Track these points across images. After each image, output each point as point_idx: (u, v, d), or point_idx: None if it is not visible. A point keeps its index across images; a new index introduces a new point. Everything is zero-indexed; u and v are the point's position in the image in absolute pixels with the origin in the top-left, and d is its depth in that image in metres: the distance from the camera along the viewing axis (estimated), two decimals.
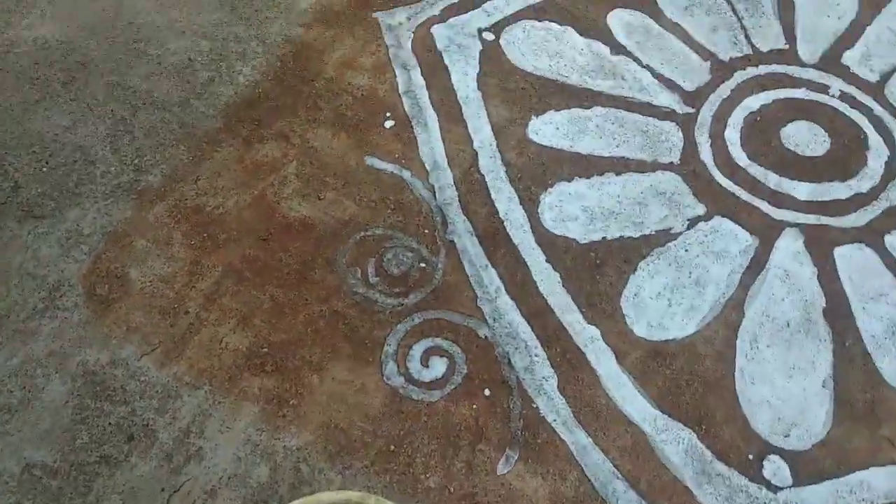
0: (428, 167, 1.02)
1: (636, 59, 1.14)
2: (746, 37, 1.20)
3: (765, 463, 0.79)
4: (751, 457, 0.80)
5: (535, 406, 0.83)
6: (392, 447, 0.80)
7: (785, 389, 0.84)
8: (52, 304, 0.89)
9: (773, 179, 1.02)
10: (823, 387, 0.85)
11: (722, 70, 1.14)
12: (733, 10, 1.22)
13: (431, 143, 1.04)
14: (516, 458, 0.80)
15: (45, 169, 1.01)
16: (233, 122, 1.07)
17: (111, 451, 0.80)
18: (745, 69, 1.15)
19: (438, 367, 0.85)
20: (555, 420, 0.82)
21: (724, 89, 1.12)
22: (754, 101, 1.10)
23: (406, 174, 1.02)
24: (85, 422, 0.81)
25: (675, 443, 0.80)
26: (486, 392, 0.84)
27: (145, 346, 0.86)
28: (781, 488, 0.78)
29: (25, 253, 0.93)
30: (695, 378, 0.85)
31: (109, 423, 0.81)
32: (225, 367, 0.85)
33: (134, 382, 0.84)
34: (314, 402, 0.83)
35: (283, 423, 0.81)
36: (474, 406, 0.83)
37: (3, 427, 0.81)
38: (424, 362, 0.85)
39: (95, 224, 0.96)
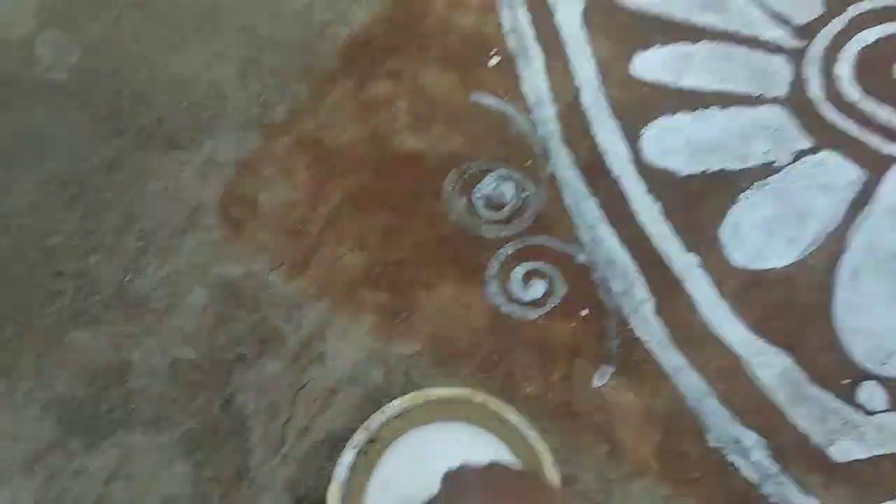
0: (531, 103, 1.06)
1: None
2: None
3: (860, 388, 0.81)
4: (846, 382, 0.82)
5: (630, 328, 0.87)
6: (495, 357, 0.86)
7: (884, 318, 0.84)
8: (193, 224, 0.99)
9: (884, 114, 1.00)
10: None
11: (836, 3, 1.12)
12: None
13: (535, 79, 1.08)
14: (612, 372, 0.85)
15: (184, 104, 1.11)
16: (348, 62, 1.14)
17: (245, 351, 0.89)
18: (860, 1, 1.11)
19: (538, 287, 0.90)
20: (649, 341, 0.85)
21: (837, 23, 1.09)
22: (869, 35, 1.07)
23: (510, 109, 1.07)
24: (222, 325, 0.91)
25: (770, 366, 0.82)
26: (584, 313, 0.89)
27: (274, 262, 0.95)
28: (876, 412, 0.79)
29: (168, 179, 1.04)
30: (793, 306, 0.87)
31: (244, 328, 0.91)
32: (343, 283, 0.93)
33: (264, 293, 0.93)
34: (423, 316, 0.90)
35: (395, 332, 0.89)
36: (572, 325, 0.88)
37: (154, 327, 0.92)
38: (525, 283, 0.91)
39: (228, 154, 1.05)
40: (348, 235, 0.96)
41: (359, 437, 0.71)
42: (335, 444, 0.83)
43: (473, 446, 0.75)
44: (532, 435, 0.70)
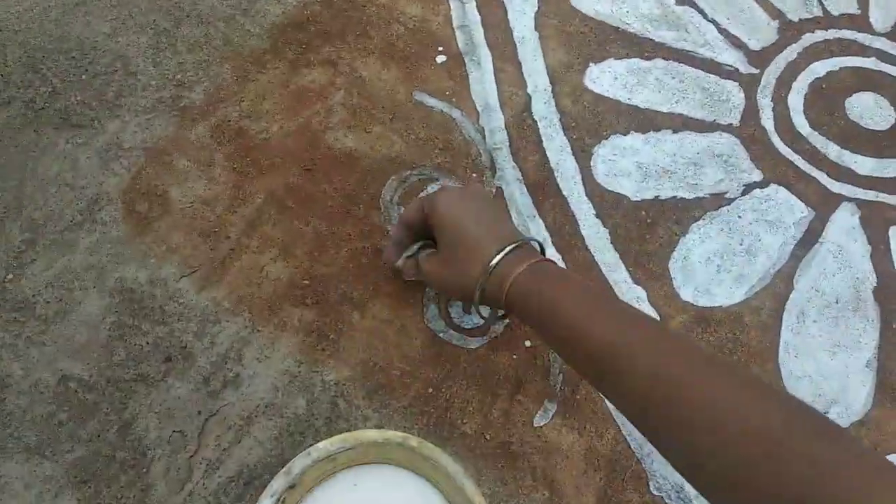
0: (479, 108, 1.00)
1: (701, 12, 1.11)
2: None
3: None
4: None
5: None
6: (430, 390, 0.81)
7: (828, 366, 0.84)
8: (91, 217, 0.88)
9: (833, 151, 1.00)
10: (867, 367, 0.85)
11: (790, 31, 1.11)
12: None
13: (484, 82, 1.02)
14: (554, 411, 0.80)
15: (84, 76, 0.98)
16: (279, 43, 1.04)
17: (148, 370, 0.80)
18: (813, 32, 1.11)
19: (481, 312, 0.85)
20: None
21: (791, 52, 1.09)
22: (821, 67, 1.07)
23: (456, 114, 1.00)
24: (122, 339, 0.82)
25: None
26: (527, 343, 0.84)
27: (184, 267, 0.86)
28: None
29: (63, 162, 0.92)
30: (738, 347, 0.86)
31: (147, 343, 0.81)
32: (265, 296, 0.85)
33: (172, 303, 0.84)
34: (353, 339, 0.83)
35: (321, 356, 0.82)
36: (514, 356, 0.83)
37: (39, 337, 0.81)
38: (466, 309, 0.85)
39: (136, 138, 0.94)
40: (272, 242, 0.88)
41: (278, 483, 0.64)
42: (249, 481, 0.76)
43: (405, 493, 0.69)
44: (468, 485, 0.65)
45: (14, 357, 0.79)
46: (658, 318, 0.85)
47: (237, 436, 0.77)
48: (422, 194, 0.93)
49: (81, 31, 1.02)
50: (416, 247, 0.78)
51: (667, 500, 0.76)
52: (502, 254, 0.63)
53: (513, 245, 0.64)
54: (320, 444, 0.67)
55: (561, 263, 0.89)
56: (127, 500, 0.74)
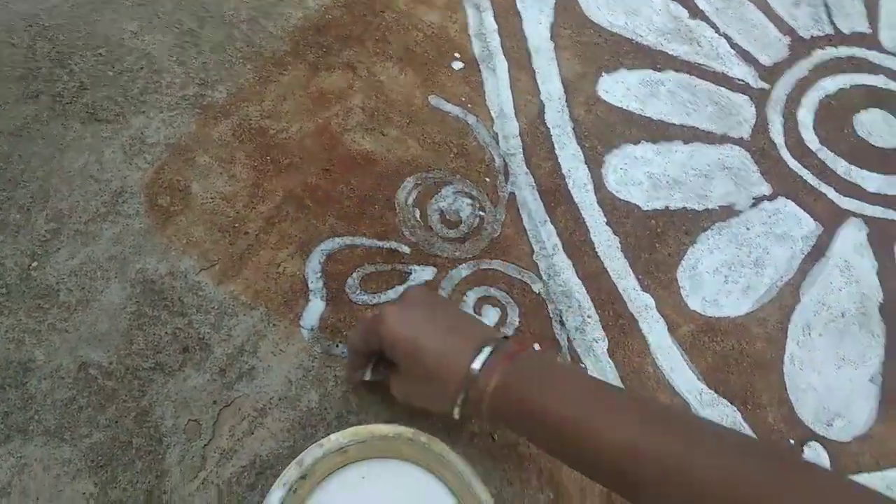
0: (494, 114, 1.03)
1: (714, 26, 1.14)
2: (829, 15, 1.18)
3: (805, 448, 0.82)
4: (792, 441, 0.83)
5: (583, 366, 0.85)
6: None
7: (833, 379, 0.86)
8: (114, 209, 0.91)
9: (842, 166, 1.02)
10: (871, 381, 0.87)
11: (801, 47, 1.14)
12: None
13: (499, 89, 1.05)
14: None
15: (110, 73, 1.01)
16: (300, 46, 1.07)
17: (166, 359, 0.82)
18: (824, 49, 1.14)
19: (491, 316, 0.87)
20: None
21: (802, 68, 1.11)
22: (831, 84, 1.10)
23: (471, 119, 1.03)
24: (142, 328, 0.84)
25: (719, 418, 0.83)
26: (536, 346, 0.86)
27: (204, 261, 0.88)
28: None
29: (89, 155, 0.94)
30: (744, 357, 0.88)
31: (166, 333, 0.84)
32: (281, 292, 0.87)
33: (191, 296, 0.86)
34: None
35: (335, 351, 0.84)
36: None
37: (62, 324, 0.84)
38: (478, 310, 0.87)
39: (159, 134, 0.97)
40: (290, 239, 0.90)
41: (290, 473, 0.67)
42: (261, 471, 0.78)
43: (413, 488, 0.72)
44: (476, 483, 0.67)
45: (37, 343, 0.82)
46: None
47: (251, 426, 0.80)
48: (434, 198, 0.96)
49: (109, 28, 1.05)
50: (368, 371, 0.73)
51: None
52: (476, 367, 0.58)
53: (483, 355, 0.58)
54: (332, 437, 0.70)
55: (571, 269, 0.91)
56: (142, 485, 0.76)
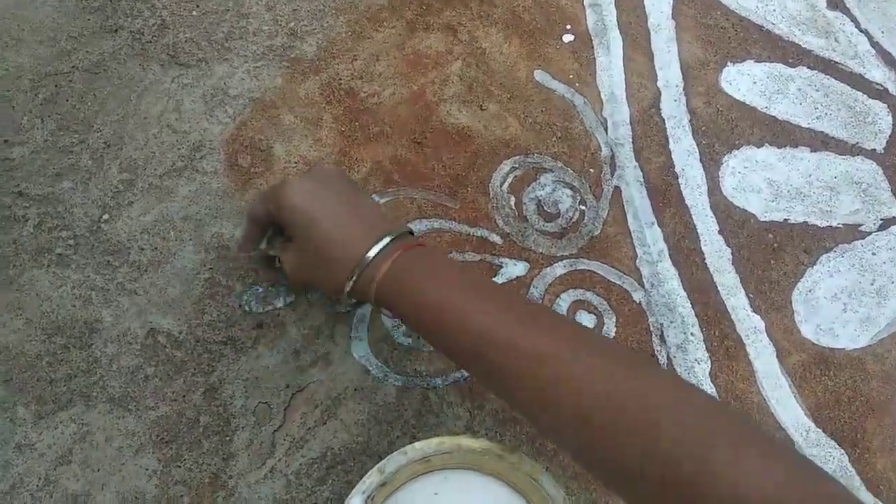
0: (604, 97, 0.97)
1: (854, 20, 1.05)
2: None
3: None
4: None
5: None
6: None
7: None
8: (192, 164, 0.88)
9: None
10: None
11: None
12: None
13: (612, 70, 0.98)
14: None
15: (194, 13, 0.97)
16: (398, 0, 1.01)
17: (239, 334, 0.80)
18: None
19: (585, 322, 0.83)
20: None
21: None
22: None
23: (578, 100, 0.96)
24: (214, 298, 0.81)
25: (825, 460, 0.78)
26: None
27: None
28: None
29: (168, 102, 0.91)
30: (858, 396, 0.83)
31: (240, 305, 0.81)
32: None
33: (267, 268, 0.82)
34: None
35: (417, 344, 0.80)
36: None
37: (132, 284, 0.81)
38: (571, 314, 0.83)
39: (243, 86, 0.93)
40: None
41: (371, 479, 0.64)
42: (332, 465, 0.76)
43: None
44: None
45: (105, 302, 0.80)
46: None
47: (323, 416, 0.77)
48: (532, 185, 0.90)
49: None
50: (264, 241, 0.74)
51: None
52: (371, 255, 0.61)
53: (382, 244, 0.62)
54: (417, 445, 0.67)
55: (677, 279, 0.86)
56: (208, 466, 0.74)
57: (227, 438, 0.76)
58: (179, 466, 0.74)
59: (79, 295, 0.80)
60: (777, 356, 0.83)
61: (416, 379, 0.79)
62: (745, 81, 0.98)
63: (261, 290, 0.82)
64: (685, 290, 0.85)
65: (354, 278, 0.62)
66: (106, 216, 0.84)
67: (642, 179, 0.91)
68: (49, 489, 0.71)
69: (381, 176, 0.89)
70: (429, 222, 0.87)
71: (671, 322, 0.83)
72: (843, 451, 0.79)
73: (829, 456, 0.79)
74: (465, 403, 0.79)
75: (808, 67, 1.00)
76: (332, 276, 0.63)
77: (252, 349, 0.79)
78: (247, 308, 0.81)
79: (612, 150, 0.93)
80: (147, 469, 0.74)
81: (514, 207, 0.89)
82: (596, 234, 0.88)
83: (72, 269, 0.81)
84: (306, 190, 0.64)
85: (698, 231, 0.89)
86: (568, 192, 0.90)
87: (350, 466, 0.76)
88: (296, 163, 0.89)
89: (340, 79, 0.95)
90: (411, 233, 0.67)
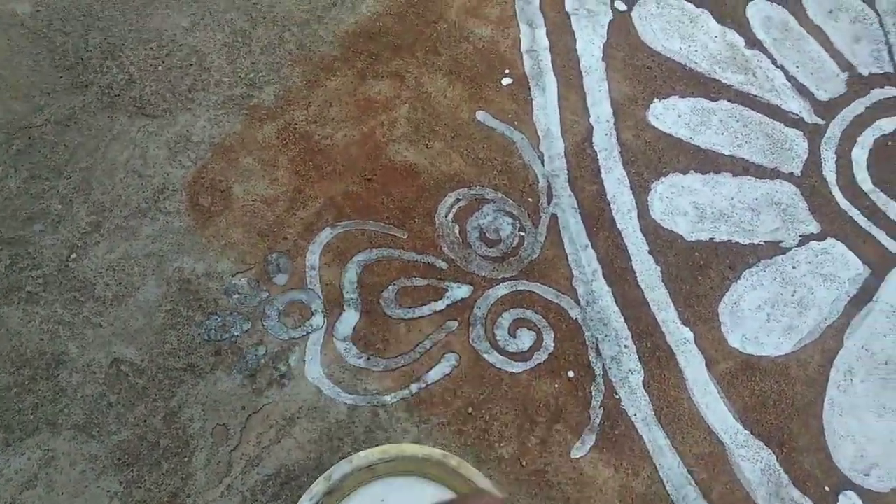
0: (540, 133, 1.02)
1: (771, 57, 1.12)
2: (890, 53, 1.16)
3: (840, 497, 0.80)
4: (827, 489, 0.81)
5: (617, 397, 0.84)
6: (470, 410, 0.82)
7: (873, 428, 0.84)
8: (156, 205, 0.92)
9: (894, 210, 1.00)
10: None
11: (859, 84, 1.11)
12: (881, 23, 1.18)
13: (547, 108, 1.04)
14: (591, 444, 0.82)
15: (160, 68, 1.02)
16: (350, 52, 1.07)
17: (198, 361, 0.83)
18: (883, 87, 1.11)
19: (525, 339, 0.87)
20: (635, 415, 0.83)
21: (859, 105, 1.09)
22: (888, 124, 1.07)
23: (517, 137, 1.02)
24: (175, 328, 0.84)
25: (754, 461, 0.81)
26: (570, 374, 0.85)
27: (241, 264, 0.89)
28: None
29: (134, 149, 0.95)
30: (783, 399, 0.86)
31: (199, 334, 0.84)
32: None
33: (226, 298, 0.86)
34: (398, 350, 0.85)
35: (366, 365, 0.84)
36: (556, 385, 0.85)
37: (97, 318, 0.84)
38: (512, 332, 0.87)
39: (204, 133, 0.98)
40: (327, 247, 0.90)
41: (318, 488, 0.66)
42: (286, 482, 0.78)
43: None
44: None
45: (71, 336, 0.83)
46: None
47: (278, 435, 0.80)
48: (474, 215, 0.95)
49: (161, 23, 1.06)
50: None
51: None
52: None
53: None
54: (361, 453, 0.69)
55: (610, 295, 0.90)
56: (167, 486, 0.76)
57: (186, 459, 0.78)
58: (140, 487, 0.76)
59: (46, 329, 0.83)
60: (706, 364, 0.87)
61: (367, 397, 0.82)
62: (670, 115, 1.04)
63: (219, 318, 0.85)
64: (618, 305, 0.89)
65: None
66: (74, 255, 0.88)
67: (577, 206, 0.96)
68: None
69: (334, 210, 0.94)
70: (378, 251, 0.91)
71: (605, 336, 0.87)
72: (770, 451, 0.82)
73: (757, 456, 0.82)
74: (412, 418, 0.82)
75: (729, 101, 1.06)
76: None
77: (210, 374, 0.82)
78: (206, 337, 0.84)
79: (548, 181, 0.98)
80: (109, 491, 0.76)
81: (458, 235, 0.93)
82: (535, 257, 0.93)
83: (40, 305, 0.84)
84: None
85: (629, 252, 0.93)
86: (508, 219, 0.95)
87: (303, 482, 0.78)
88: (253, 201, 0.93)
89: (296, 123, 1.00)
90: None
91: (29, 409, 0.78)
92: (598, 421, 0.83)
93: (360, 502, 0.70)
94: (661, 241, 0.95)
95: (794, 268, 0.94)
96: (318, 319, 0.86)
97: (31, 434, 0.78)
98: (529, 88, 1.06)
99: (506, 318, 0.88)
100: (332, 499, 0.68)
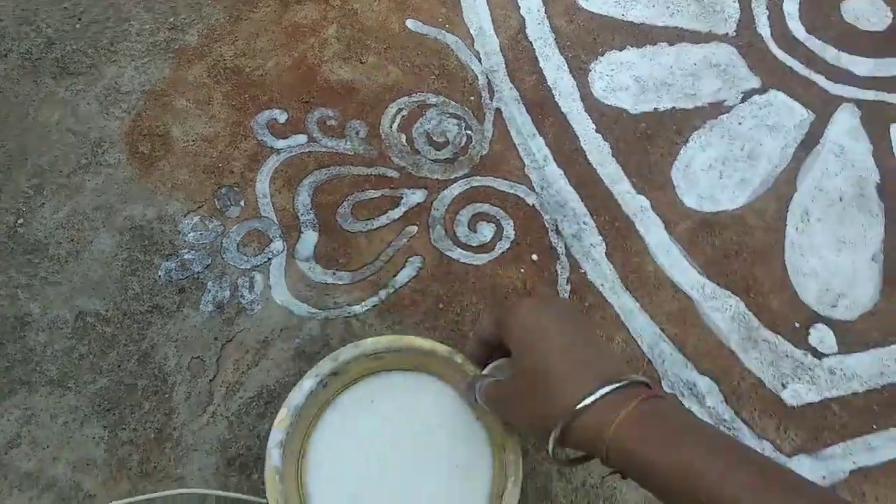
0: (473, 33, 1.01)
1: None
2: None
3: (811, 331, 0.82)
4: (797, 325, 0.83)
5: (582, 271, 0.85)
6: (441, 305, 0.83)
7: (834, 262, 0.86)
8: (95, 160, 0.90)
9: (831, 54, 1.00)
10: (873, 260, 0.86)
11: None
12: None
13: (477, 7, 1.03)
14: None
15: (77, 26, 1.00)
16: None
17: (163, 301, 0.82)
18: None
19: (486, 232, 0.87)
20: (602, 285, 0.84)
21: None
22: None
23: (451, 39, 1.01)
24: (135, 273, 0.84)
25: (723, 309, 0.83)
26: (534, 257, 0.86)
27: (191, 203, 0.88)
28: (826, 355, 0.81)
29: (64, 109, 0.93)
30: (744, 248, 0.87)
31: (160, 276, 0.83)
32: (273, 226, 0.87)
33: (181, 238, 0.86)
34: (361, 261, 0.85)
35: (332, 279, 0.84)
36: (521, 270, 0.85)
37: (54, 277, 0.83)
38: (472, 227, 0.87)
39: (133, 82, 0.96)
40: (276, 175, 0.89)
41: (324, 366, 0.65)
42: (269, 400, 0.78)
43: (448, 406, 0.69)
44: None
45: (31, 297, 0.82)
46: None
47: (255, 359, 0.80)
48: (419, 121, 0.95)
49: None
50: (487, 370, 0.63)
51: (680, 397, 0.79)
52: (597, 394, 0.47)
53: (613, 385, 0.47)
54: (369, 340, 0.67)
55: (563, 178, 0.90)
56: (151, 423, 0.76)
57: (167, 396, 0.78)
58: (124, 428, 0.76)
59: (5, 294, 0.82)
60: (665, 227, 0.87)
61: (337, 310, 0.83)
62: None
63: (177, 258, 0.85)
64: (572, 186, 0.90)
65: (568, 420, 0.48)
66: (21, 220, 0.86)
67: (519, 98, 0.96)
68: (2, 472, 0.73)
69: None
70: (328, 171, 0.91)
71: (564, 216, 0.88)
72: (737, 298, 0.84)
73: (725, 305, 0.84)
74: (385, 322, 0.82)
75: None
76: (543, 413, 0.50)
77: (178, 312, 0.82)
78: (168, 278, 0.84)
79: (488, 78, 0.98)
80: (94, 437, 0.76)
81: (405, 144, 0.93)
82: (484, 153, 0.93)
83: None
84: (538, 313, 0.53)
85: (577, 133, 0.93)
86: (453, 121, 0.95)
87: (286, 398, 0.78)
88: (193, 141, 0.92)
89: (225, 59, 0.98)
90: (647, 385, 0.50)
91: (1, 373, 0.78)
92: (566, 295, 0.84)
93: (374, 387, 0.69)
94: (606, 118, 0.95)
95: (739, 123, 0.95)
96: (277, 244, 0.86)
97: (6, 397, 0.77)
98: None
99: (464, 215, 0.88)
100: (338, 381, 0.67)
